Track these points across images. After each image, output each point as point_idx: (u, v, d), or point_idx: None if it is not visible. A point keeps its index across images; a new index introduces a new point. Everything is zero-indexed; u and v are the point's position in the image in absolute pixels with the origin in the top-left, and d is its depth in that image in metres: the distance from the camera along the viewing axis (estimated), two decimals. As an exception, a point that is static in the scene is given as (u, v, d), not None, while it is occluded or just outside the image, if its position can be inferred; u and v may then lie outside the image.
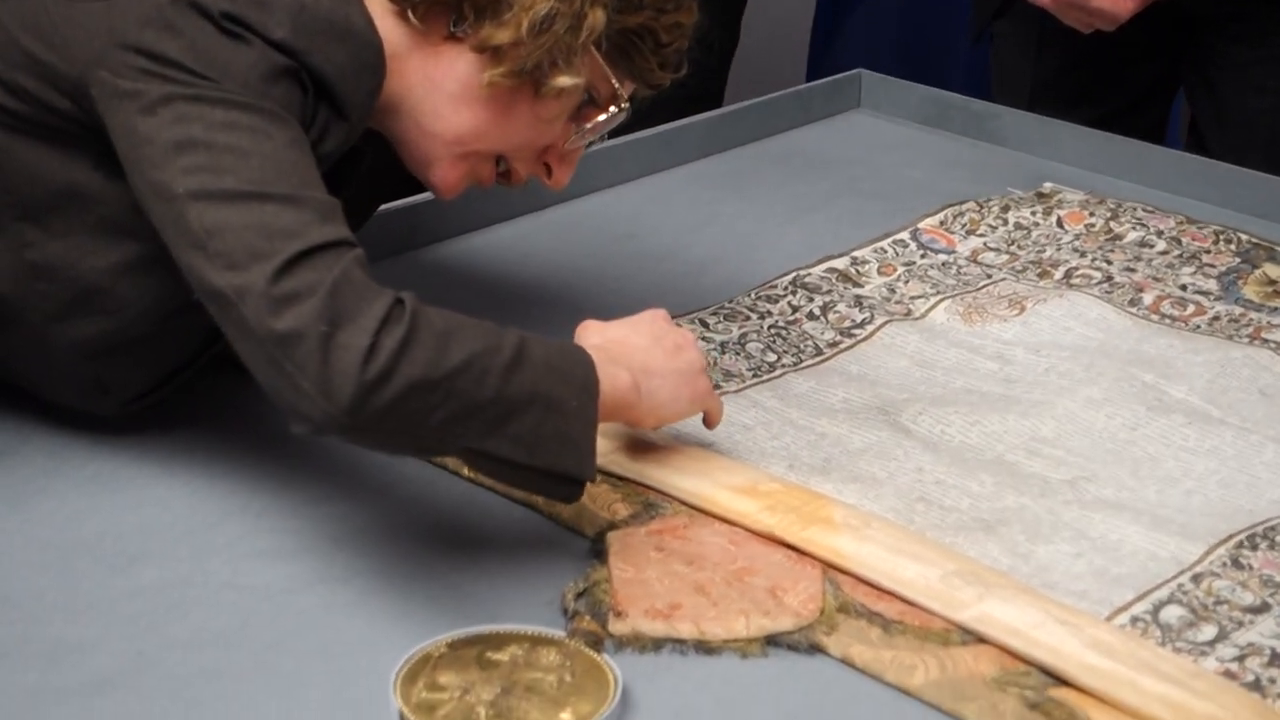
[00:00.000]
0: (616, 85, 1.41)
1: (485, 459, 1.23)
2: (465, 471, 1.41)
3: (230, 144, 1.20)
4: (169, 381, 1.43)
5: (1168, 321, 1.72)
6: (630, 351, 1.35)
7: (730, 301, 1.72)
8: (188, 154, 1.20)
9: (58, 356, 1.37)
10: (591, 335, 1.36)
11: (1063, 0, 2.10)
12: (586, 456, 1.25)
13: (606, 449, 1.41)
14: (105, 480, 1.40)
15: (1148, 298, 1.76)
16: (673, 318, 1.58)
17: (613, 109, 1.42)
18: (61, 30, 1.28)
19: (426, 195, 1.85)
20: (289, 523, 1.35)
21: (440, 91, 1.37)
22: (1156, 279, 1.80)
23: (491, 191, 1.86)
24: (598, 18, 1.35)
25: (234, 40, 1.24)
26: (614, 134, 1.95)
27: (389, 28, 1.35)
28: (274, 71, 1.24)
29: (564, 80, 1.36)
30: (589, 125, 1.42)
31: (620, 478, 1.40)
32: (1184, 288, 1.79)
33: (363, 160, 1.41)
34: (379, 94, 1.33)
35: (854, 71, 2.30)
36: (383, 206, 1.81)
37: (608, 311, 1.42)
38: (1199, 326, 1.71)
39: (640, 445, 1.42)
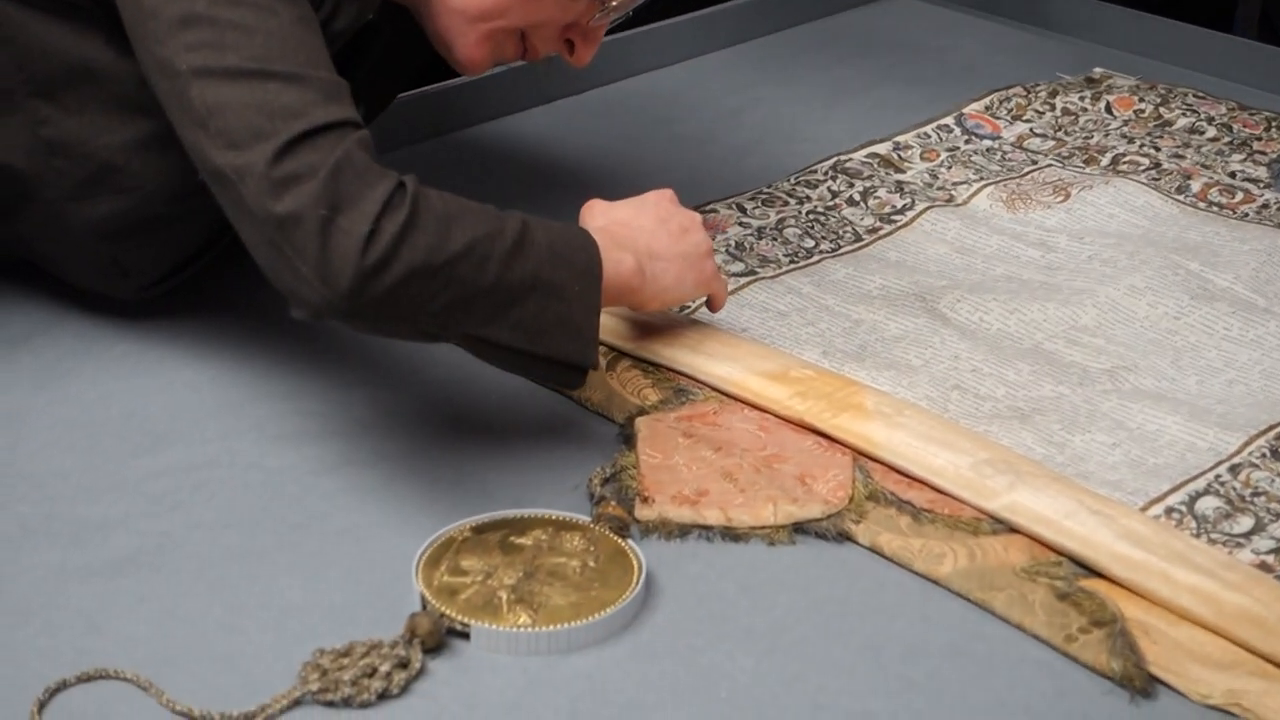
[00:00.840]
0: None
1: (486, 345, 1.21)
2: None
3: (234, 20, 1.17)
4: (188, 265, 1.42)
5: (1215, 209, 1.68)
6: (635, 234, 1.33)
7: (770, 187, 1.70)
8: (192, 29, 1.17)
9: (76, 237, 1.36)
10: (597, 217, 1.34)
11: None
12: (589, 343, 1.23)
13: (638, 334, 1.39)
14: (133, 362, 1.39)
15: (1195, 185, 1.72)
16: (710, 203, 1.57)
17: None
18: None
19: (461, 79, 1.83)
20: (316, 405, 1.34)
21: None
22: (1205, 166, 1.76)
23: (529, 74, 1.85)
24: None
25: None
26: (651, 17, 1.92)
27: None
28: None
29: None
30: (613, 2, 1.39)
31: (652, 363, 1.38)
32: (1233, 175, 1.75)
33: (378, 38, 1.39)
34: None
35: (903, -46, 2.26)
36: (420, 89, 1.80)
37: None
38: (1247, 214, 1.67)
39: (672, 330, 1.40)
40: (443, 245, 1.14)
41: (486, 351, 1.22)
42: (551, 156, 1.78)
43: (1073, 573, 1.16)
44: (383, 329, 1.17)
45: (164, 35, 1.18)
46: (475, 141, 1.81)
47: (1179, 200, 1.69)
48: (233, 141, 1.14)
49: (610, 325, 1.39)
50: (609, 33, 1.46)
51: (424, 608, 1.11)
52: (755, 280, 1.52)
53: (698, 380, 1.36)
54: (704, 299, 1.40)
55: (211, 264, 1.44)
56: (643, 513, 1.21)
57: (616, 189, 1.64)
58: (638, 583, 1.13)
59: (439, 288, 1.14)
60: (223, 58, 1.16)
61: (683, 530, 1.21)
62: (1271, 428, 1.32)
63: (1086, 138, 1.83)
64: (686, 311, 1.45)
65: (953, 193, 1.71)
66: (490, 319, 1.18)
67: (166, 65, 1.18)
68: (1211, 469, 1.27)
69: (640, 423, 1.31)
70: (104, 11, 1.25)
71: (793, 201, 1.67)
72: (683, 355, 1.38)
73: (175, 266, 1.41)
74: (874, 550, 1.20)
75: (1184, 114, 1.87)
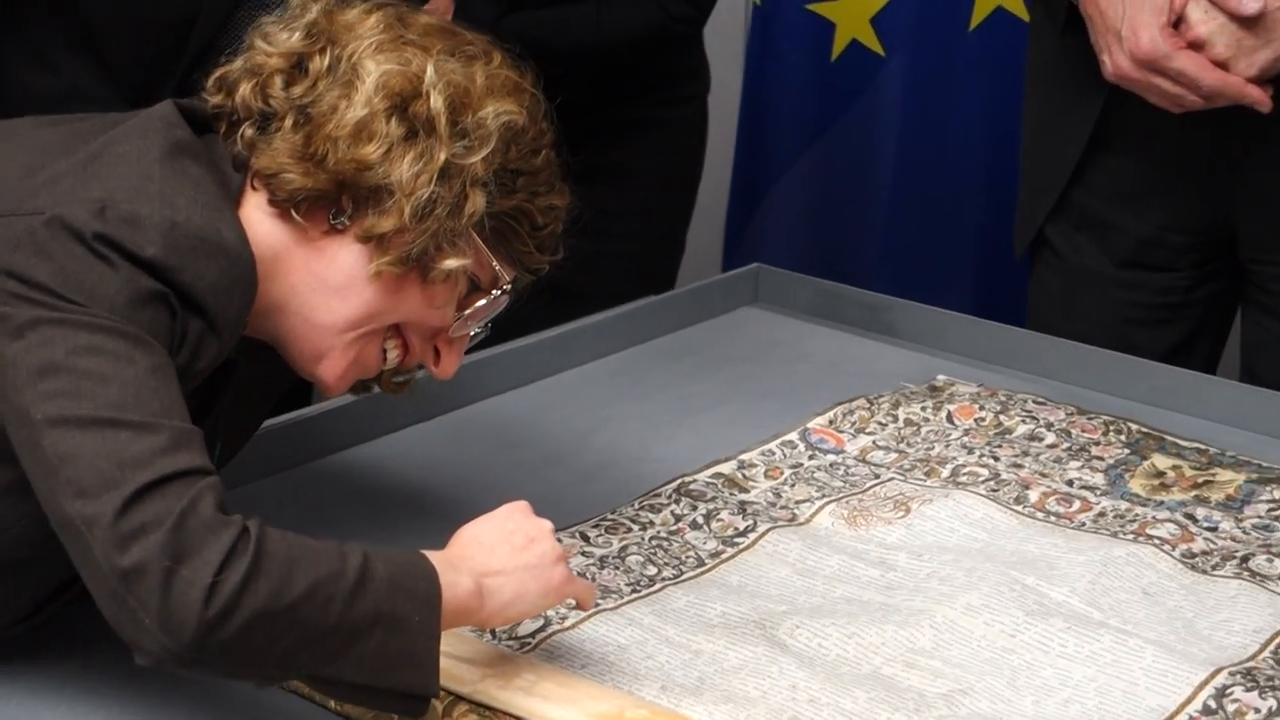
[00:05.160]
0: (498, 268, 1.43)
1: (329, 684, 1.24)
2: (333, 705, 1.39)
3: (91, 369, 1.21)
4: (51, 602, 1.42)
5: (1053, 519, 1.72)
6: (475, 551, 1.35)
7: (613, 513, 1.72)
8: (49, 379, 1.21)
9: None
10: (455, 538, 1.37)
11: (1143, 66, 1.93)
12: (430, 673, 1.26)
13: (474, 678, 1.39)
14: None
15: (1034, 494, 1.76)
16: (555, 531, 1.58)
17: (495, 292, 1.44)
18: None
19: (315, 408, 1.85)
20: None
21: (326, 285, 1.39)
22: (1043, 474, 1.80)
23: (380, 401, 1.87)
24: (478, 200, 1.38)
25: (103, 263, 1.25)
26: (508, 335, 1.96)
27: (268, 230, 1.37)
28: (141, 296, 1.26)
29: (450, 262, 1.39)
30: (472, 310, 1.43)
31: (488, 707, 1.38)
32: (1070, 483, 1.79)
33: (235, 371, 1.42)
34: (251, 308, 1.35)
35: (752, 266, 2.31)
36: (272, 420, 1.82)
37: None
38: (1084, 524, 1.71)
39: (508, 671, 1.40)
40: (285, 590, 1.17)
41: (329, 689, 1.25)
42: (400, 485, 1.80)
43: None
44: (226, 674, 1.21)
45: (22, 384, 1.22)
46: (325, 471, 1.83)
47: (1018, 511, 1.73)
48: (82, 490, 1.18)
49: (447, 669, 1.38)
50: (468, 351, 1.50)
51: None
52: (598, 612, 1.53)
53: (534, 724, 1.36)
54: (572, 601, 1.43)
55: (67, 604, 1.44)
56: None
57: (459, 517, 1.66)
58: None
59: (282, 632, 1.18)
60: (77, 406, 1.20)
61: None
62: (1103, 751, 1.34)
63: (928, 449, 1.87)
64: (546, 630, 1.47)
65: (795, 511, 1.74)
66: (334, 658, 1.21)
67: (22, 414, 1.22)
68: (1043, 798, 1.28)
69: (475, 771, 1.30)
70: None
71: (636, 527, 1.69)
72: (518, 699, 1.38)
73: (37, 606, 1.42)
74: None
75: (1023, 420, 1.92)
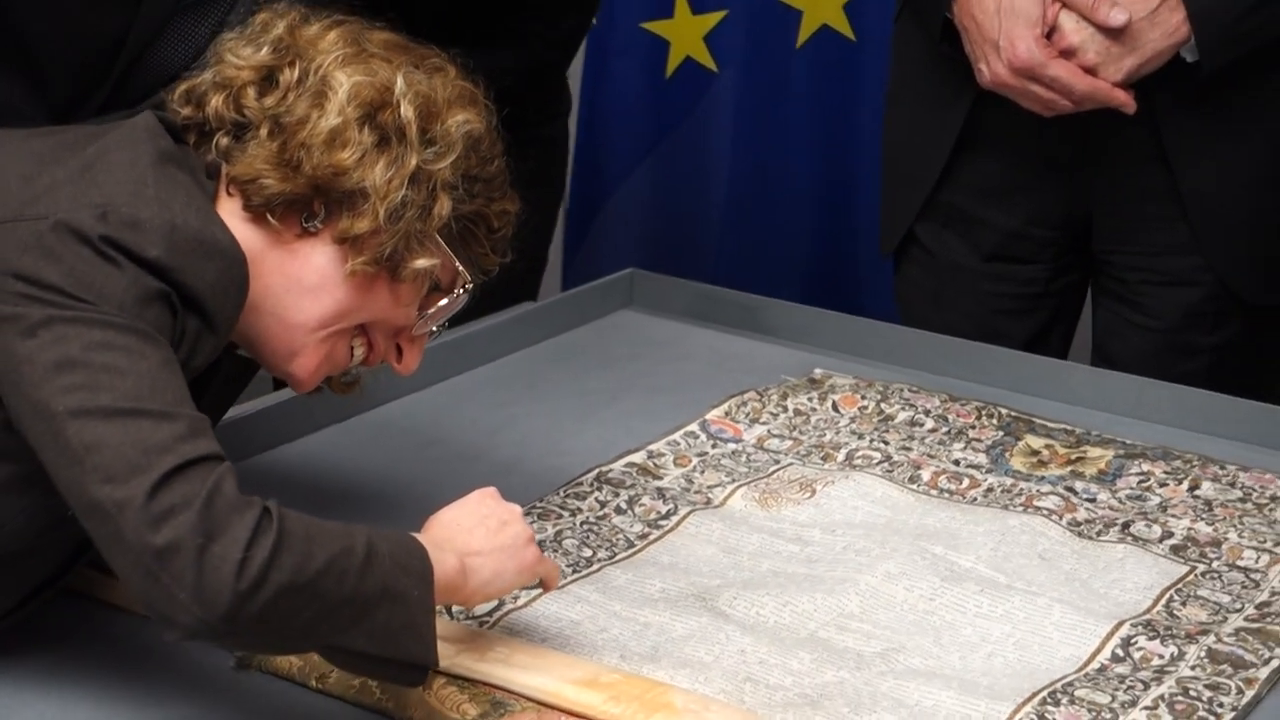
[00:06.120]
0: (460, 268, 1.52)
1: (342, 653, 1.33)
2: (313, 682, 1.46)
3: (107, 363, 1.28)
4: (36, 596, 1.48)
5: (947, 495, 1.85)
6: (455, 534, 1.44)
7: (541, 501, 1.81)
8: (66, 373, 1.28)
9: None
10: (429, 523, 1.46)
11: (1020, 74, 2.09)
12: (430, 644, 1.35)
13: (451, 652, 1.47)
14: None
15: (925, 474, 1.89)
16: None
17: (457, 291, 1.53)
18: None
19: (232, 413, 1.91)
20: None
21: (299, 286, 1.46)
22: (931, 455, 1.94)
23: (296, 404, 1.94)
24: (445, 204, 1.47)
25: (110, 264, 1.32)
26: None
27: (244, 235, 1.44)
28: (147, 295, 1.33)
29: (421, 262, 1.47)
30: (435, 309, 1.52)
31: (466, 679, 1.46)
32: (957, 463, 1.93)
33: (220, 369, 1.49)
34: (244, 307, 1.41)
35: (626, 271, 2.42)
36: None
37: (421, 518, 1.48)
38: (975, 499, 1.85)
39: (481, 645, 1.49)
40: (307, 565, 1.26)
41: (341, 658, 1.34)
42: (328, 483, 1.86)
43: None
44: (254, 645, 1.31)
45: (39, 379, 1.28)
46: (247, 474, 1.86)
47: (913, 489, 1.86)
48: (110, 476, 1.24)
49: (422, 645, 1.48)
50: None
51: None
52: (544, 592, 1.62)
53: (513, 692, 1.45)
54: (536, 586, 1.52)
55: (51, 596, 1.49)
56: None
57: (390, 512, 1.74)
58: None
59: (304, 603, 1.26)
60: (97, 398, 1.27)
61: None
62: (1035, 694, 1.47)
63: (820, 436, 1.99)
64: (501, 610, 1.56)
65: (709, 495, 1.85)
66: (347, 629, 1.30)
67: (42, 407, 1.27)
68: (990, 738, 1.41)
69: (466, 737, 1.39)
70: None
71: (566, 514, 1.79)
72: (496, 669, 1.46)
73: (23, 599, 1.47)
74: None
75: (903, 408, 2.05)
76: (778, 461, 1.93)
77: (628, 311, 2.39)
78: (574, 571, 1.68)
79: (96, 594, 1.56)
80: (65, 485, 1.28)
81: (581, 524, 1.77)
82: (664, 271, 2.50)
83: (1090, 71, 2.06)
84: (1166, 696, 1.47)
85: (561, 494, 1.83)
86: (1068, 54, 2.06)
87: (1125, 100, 2.07)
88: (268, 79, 1.47)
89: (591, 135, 3.35)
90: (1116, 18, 2.03)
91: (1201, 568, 1.70)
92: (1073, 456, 1.93)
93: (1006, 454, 1.94)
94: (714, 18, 3.22)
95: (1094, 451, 1.94)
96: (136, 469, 1.25)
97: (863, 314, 2.41)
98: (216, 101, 1.47)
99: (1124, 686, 1.49)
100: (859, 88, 3.24)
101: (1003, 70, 2.07)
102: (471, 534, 1.45)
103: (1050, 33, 2.07)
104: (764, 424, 2.02)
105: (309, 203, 1.45)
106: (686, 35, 3.24)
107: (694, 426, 2.00)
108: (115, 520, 1.24)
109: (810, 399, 2.07)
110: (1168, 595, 1.65)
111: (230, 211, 1.45)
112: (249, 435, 1.91)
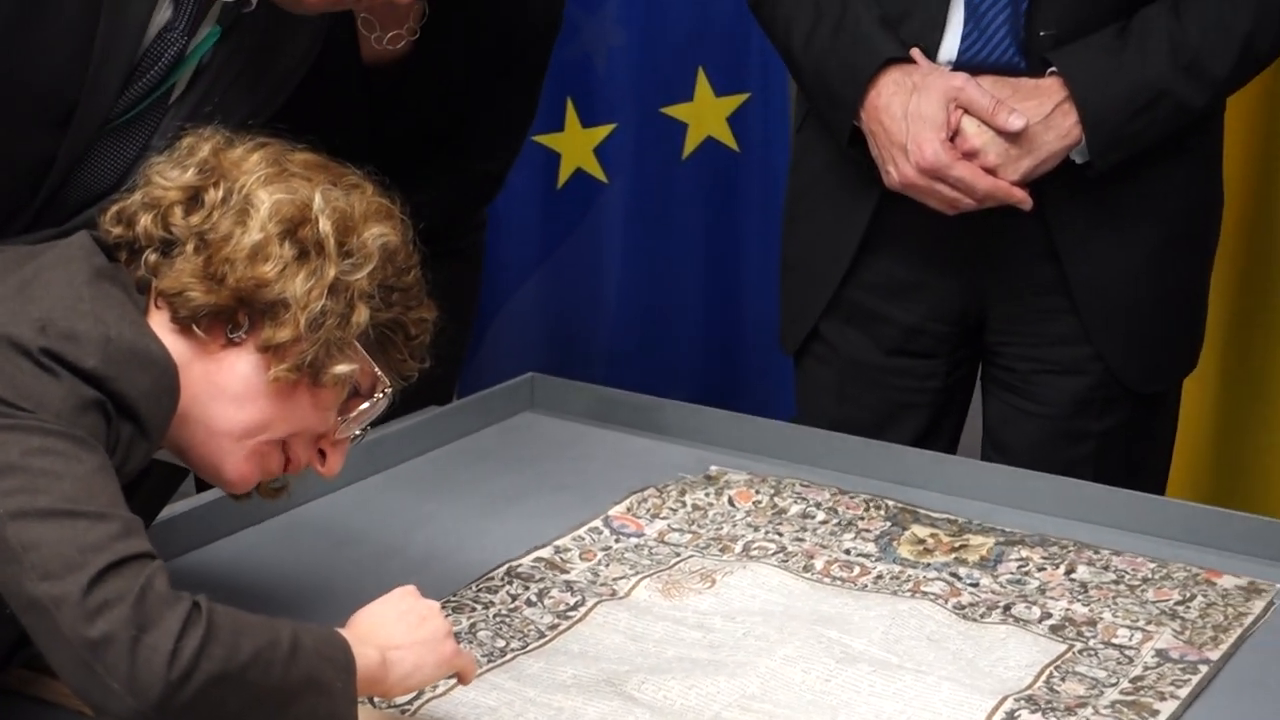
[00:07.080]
0: (379, 374, 1.60)
1: None
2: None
3: (45, 467, 1.36)
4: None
5: (839, 583, 1.95)
6: (377, 629, 1.52)
7: (455, 595, 1.89)
8: (6, 478, 1.35)
9: None
10: (353, 619, 1.54)
11: (927, 174, 2.22)
12: None
13: (373, 741, 1.56)
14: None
15: (818, 563, 2.00)
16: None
17: (377, 396, 1.62)
18: None
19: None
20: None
21: (225, 394, 1.54)
22: (823, 545, 2.04)
23: (212, 508, 2.01)
24: (362, 313, 1.56)
25: (48, 375, 1.40)
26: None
27: (173, 345, 1.52)
28: (84, 403, 1.41)
29: (341, 368, 1.56)
30: (355, 413, 1.61)
31: (386, 768, 1.54)
32: (847, 552, 2.03)
33: (150, 474, 1.56)
34: (174, 414, 1.49)
35: (526, 376, 2.52)
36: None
37: (341, 614, 1.56)
38: (866, 585, 1.95)
39: (404, 733, 1.57)
40: (235, 655, 1.34)
41: None
42: (247, 586, 1.93)
43: None
44: None
45: None
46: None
47: (808, 578, 1.96)
48: (48, 573, 1.32)
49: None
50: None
51: None
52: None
53: (434, 777, 1.53)
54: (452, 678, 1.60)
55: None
56: None
57: (311, 608, 1.81)
58: None
59: (231, 693, 1.34)
60: (35, 501, 1.35)
61: None
62: (927, 766, 1.57)
63: (717, 529, 2.09)
64: (421, 699, 1.63)
65: (615, 587, 1.94)
66: (275, 716, 1.37)
67: None
68: (886, 806, 1.50)
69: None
70: None
71: (479, 607, 1.87)
72: (419, 754, 1.55)
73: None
74: None
75: (795, 501, 2.15)
76: (678, 554, 2.03)
77: (529, 413, 2.49)
78: (489, 661, 1.76)
79: (30, 691, 1.62)
80: (4, 584, 1.35)
81: (494, 616, 1.85)
82: (559, 373, 2.61)
83: (991, 172, 2.21)
84: (1049, 765, 1.58)
85: (474, 588, 1.91)
86: (970, 156, 2.21)
87: (1022, 198, 2.22)
88: (194, 199, 1.56)
89: (488, 244, 3.45)
90: (1015, 122, 2.19)
91: (1079, 646, 1.81)
92: (956, 544, 2.04)
93: (894, 543, 2.05)
94: (603, 131, 3.35)
95: (975, 539, 2.05)
96: (73, 566, 1.32)
97: (754, 410, 2.53)
98: (145, 221, 1.55)
99: (1009, 756, 1.59)
100: (743, 195, 3.39)
101: (910, 171, 2.21)
102: (393, 629, 1.53)
103: (954, 136, 2.22)
104: (664, 519, 2.12)
105: (233, 314, 1.54)
106: (577, 147, 3.36)
107: (598, 522, 2.10)
108: (53, 615, 1.32)
109: (707, 494, 2.17)
110: (1048, 672, 1.76)
111: (159, 323, 1.54)
112: (164, 538, 1.97)
